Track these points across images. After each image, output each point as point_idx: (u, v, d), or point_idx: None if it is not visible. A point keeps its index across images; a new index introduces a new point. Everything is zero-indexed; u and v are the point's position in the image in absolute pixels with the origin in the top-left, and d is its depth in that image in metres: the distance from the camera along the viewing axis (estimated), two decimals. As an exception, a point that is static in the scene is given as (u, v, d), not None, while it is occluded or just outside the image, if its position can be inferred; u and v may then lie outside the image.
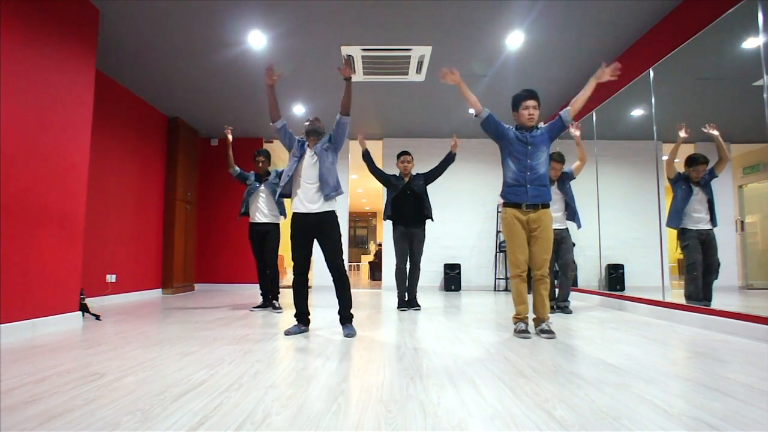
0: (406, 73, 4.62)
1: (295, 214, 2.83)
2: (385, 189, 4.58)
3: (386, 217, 4.36)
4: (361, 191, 12.61)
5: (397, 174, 4.34)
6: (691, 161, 3.38)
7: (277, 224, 4.15)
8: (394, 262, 4.37)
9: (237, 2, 3.38)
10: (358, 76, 4.68)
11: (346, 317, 2.84)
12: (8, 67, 2.64)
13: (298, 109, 5.76)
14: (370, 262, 11.12)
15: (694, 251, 3.31)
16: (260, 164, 4.17)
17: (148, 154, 5.54)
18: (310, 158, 2.85)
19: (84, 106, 3.28)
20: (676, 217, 3.41)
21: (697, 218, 3.32)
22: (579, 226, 3.96)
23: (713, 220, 3.26)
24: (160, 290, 5.79)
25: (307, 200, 2.78)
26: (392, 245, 4.37)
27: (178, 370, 1.85)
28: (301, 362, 2.02)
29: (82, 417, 1.31)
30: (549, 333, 2.67)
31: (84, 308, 3.44)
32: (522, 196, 2.74)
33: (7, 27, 2.63)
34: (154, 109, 5.68)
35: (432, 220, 4.26)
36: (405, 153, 4.34)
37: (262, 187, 4.13)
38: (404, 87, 5.04)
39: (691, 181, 3.36)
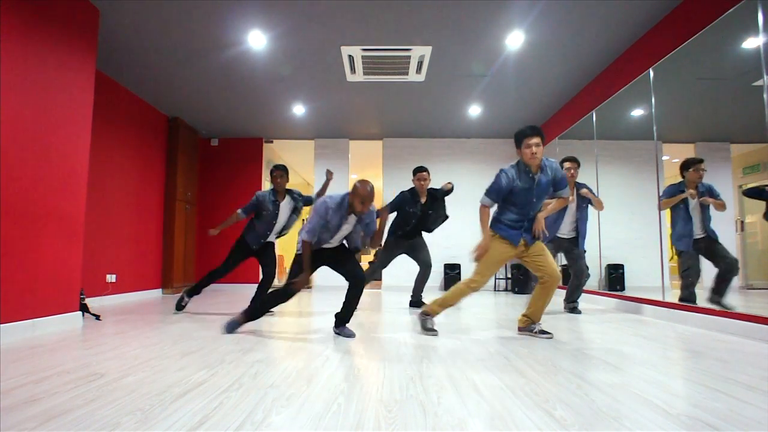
0: (406, 73, 4.62)
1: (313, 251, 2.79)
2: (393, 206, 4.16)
3: (397, 236, 4.15)
4: (361, 191, 12.59)
5: (411, 193, 4.08)
6: (690, 163, 3.35)
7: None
8: (373, 265, 4.20)
9: (237, 2, 3.38)
10: (358, 76, 4.68)
11: (347, 321, 2.82)
12: (8, 67, 2.63)
13: (298, 109, 5.76)
14: (370, 262, 11.11)
15: (689, 258, 3.28)
16: (278, 180, 3.58)
17: (148, 154, 5.54)
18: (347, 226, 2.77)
19: (84, 106, 3.28)
20: (684, 240, 3.34)
21: (697, 229, 3.30)
22: (582, 247, 3.90)
23: (708, 230, 3.25)
24: (160, 290, 5.79)
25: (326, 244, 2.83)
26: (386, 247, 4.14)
27: (178, 370, 1.85)
28: (301, 362, 2.02)
29: (82, 417, 1.31)
30: (547, 333, 2.69)
31: (84, 308, 3.43)
32: (517, 239, 2.70)
33: (7, 27, 2.63)
34: (154, 109, 5.68)
35: (429, 231, 4.19)
36: (422, 169, 4.05)
37: (284, 209, 3.62)
38: (404, 87, 5.04)
39: (688, 188, 3.33)
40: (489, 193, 2.70)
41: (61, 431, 1.21)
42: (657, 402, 1.45)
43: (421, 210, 4.07)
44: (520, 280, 6.14)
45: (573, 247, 3.88)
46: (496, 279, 6.87)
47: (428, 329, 2.79)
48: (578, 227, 3.87)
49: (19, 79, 2.72)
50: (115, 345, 2.42)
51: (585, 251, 3.93)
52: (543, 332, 2.69)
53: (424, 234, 4.27)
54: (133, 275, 5.17)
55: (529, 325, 2.77)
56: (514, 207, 2.69)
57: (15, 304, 2.66)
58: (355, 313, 2.94)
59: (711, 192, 3.27)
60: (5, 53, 2.62)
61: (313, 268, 2.83)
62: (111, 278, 4.72)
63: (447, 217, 4.18)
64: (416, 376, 1.79)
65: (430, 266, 4.19)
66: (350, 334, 2.72)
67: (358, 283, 2.78)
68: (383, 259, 4.15)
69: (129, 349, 2.29)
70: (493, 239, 2.70)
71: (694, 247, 3.30)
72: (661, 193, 3.63)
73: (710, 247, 3.23)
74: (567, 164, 3.85)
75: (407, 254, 4.26)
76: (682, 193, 3.36)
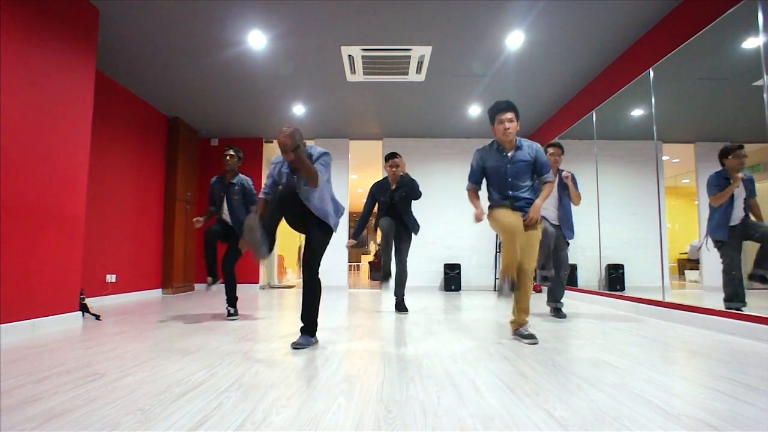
0: (406, 73, 4.62)
1: None
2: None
3: (377, 226, 3.97)
4: (362, 191, 12.61)
5: (382, 182, 4.01)
6: (729, 150, 3.04)
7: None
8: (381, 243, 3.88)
9: (237, 2, 3.38)
10: (358, 76, 4.68)
11: (306, 327, 2.49)
12: (8, 67, 2.63)
13: (298, 109, 5.77)
14: (370, 262, 11.12)
15: (730, 249, 3.04)
16: (228, 158, 3.59)
17: (148, 154, 5.54)
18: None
19: (84, 106, 3.28)
20: (721, 228, 3.11)
21: (736, 215, 3.07)
22: (570, 237, 3.61)
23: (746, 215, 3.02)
24: (160, 290, 5.79)
25: None
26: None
27: (178, 370, 1.85)
28: (301, 362, 2.02)
29: (82, 417, 1.31)
30: (530, 338, 2.49)
31: (84, 308, 3.44)
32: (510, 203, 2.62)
33: (7, 27, 2.63)
34: (154, 109, 5.68)
35: (416, 233, 4.00)
36: (394, 155, 3.93)
37: (235, 188, 3.61)
38: (404, 87, 5.04)
39: (731, 176, 3.06)
40: (470, 177, 2.74)
41: (61, 431, 1.21)
42: (657, 402, 1.45)
43: (391, 197, 3.92)
44: (520, 280, 6.14)
45: (557, 236, 3.54)
46: (496, 279, 6.87)
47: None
48: (560, 215, 3.57)
49: (19, 79, 2.72)
50: (115, 345, 2.42)
51: (568, 243, 3.63)
52: (528, 336, 2.50)
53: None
54: (133, 275, 5.17)
55: (516, 329, 2.61)
56: (494, 189, 2.67)
57: (15, 304, 2.66)
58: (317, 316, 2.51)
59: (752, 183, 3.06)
60: (5, 53, 2.62)
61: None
62: (111, 278, 4.72)
63: (419, 194, 3.95)
64: (416, 376, 1.79)
65: (402, 261, 3.96)
66: (300, 344, 2.35)
67: (307, 269, 2.43)
68: (385, 244, 3.81)
69: (129, 349, 2.29)
70: (493, 211, 2.63)
71: (731, 235, 3.08)
72: (708, 185, 3.27)
73: (746, 228, 3.04)
74: (551, 149, 3.58)
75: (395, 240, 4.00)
76: (727, 180, 3.10)
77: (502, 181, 2.63)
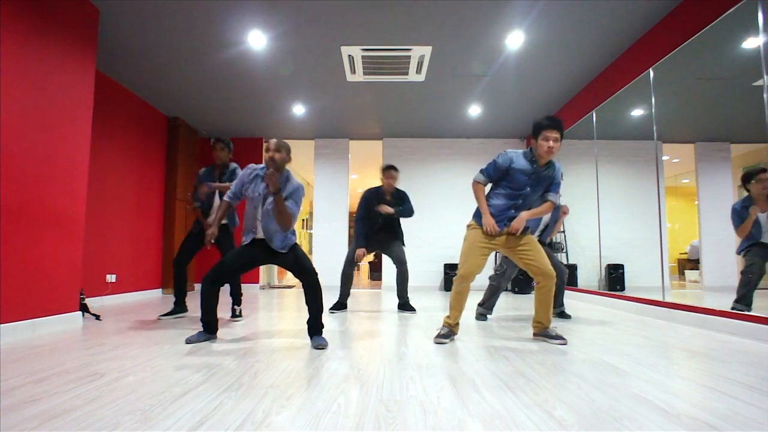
0: (406, 73, 4.62)
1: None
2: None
3: (361, 245, 3.94)
4: (361, 191, 12.61)
5: (377, 192, 4.02)
6: (750, 175, 2.99)
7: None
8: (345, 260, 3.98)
9: (237, 2, 3.38)
10: (358, 76, 4.68)
11: (317, 328, 2.53)
12: (8, 67, 2.63)
13: (298, 109, 5.77)
14: (370, 263, 11.12)
15: (754, 255, 3.01)
16: (217, 152, 3.52)
17: (148, 154, 5.54)
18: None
19: (84, 106, 3.27)
20: (750, 238, 3.05)
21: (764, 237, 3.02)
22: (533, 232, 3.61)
23: None
24: (160, 290, 5.79)
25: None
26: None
27: (178, 370, 1.85)
28: (301, 362, 2.02)
29: (82, 417, 1.31)
30: (559, 339, 2.53)
31: (84, 308, 3.44)
32: (500, 225, 2.57)
33: (7, 27, 2.63)
34: (154, 109, 5.67)
35: (403, 244, 4.06)
36: (392, 168, 3.99)
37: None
38: (404, 87, 5.03)
39: (755, 201, 3.00)
40: (484, 170, 2.64)
41: (61, 431, 1.21)
42: (657, 402, 1.45)
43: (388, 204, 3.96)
44: (521, 280, 6.14)
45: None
46: (496, 279, 6.87)
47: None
48: (541, 232, 3.64)
49: (19, 79, 2.72)
50: (115, 345, 2.42)
51: (551, 249, 3.64)
52: (557, 337, 2.53)
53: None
54: (133, 275, 5.17)
55: (543, 330, 2.60)
56: (506, 190, 2.57)
57: (15, 304, 2.66)
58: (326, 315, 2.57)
59: None
60: (5, 53, 2.62)
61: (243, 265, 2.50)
62: (111, 278, 4.72)
63: (412, 212, 4.07)
64: (416, 376, 1.79)
65: (403, 263, 4.01)
66: (321, 344, 2.38)
67: (309, 277, 2.48)
68: (350, 272, 3.99)
69: (129, 349, 2.29)
70: (470, 231, 2.62)
71: (760, 247, 3.03)
72: (731, 214, 3.19)
73: None
74: None
75: (383, 252, 4.14)
76: (746, 210, 3.06)
77: (518, 189, 2.56)
